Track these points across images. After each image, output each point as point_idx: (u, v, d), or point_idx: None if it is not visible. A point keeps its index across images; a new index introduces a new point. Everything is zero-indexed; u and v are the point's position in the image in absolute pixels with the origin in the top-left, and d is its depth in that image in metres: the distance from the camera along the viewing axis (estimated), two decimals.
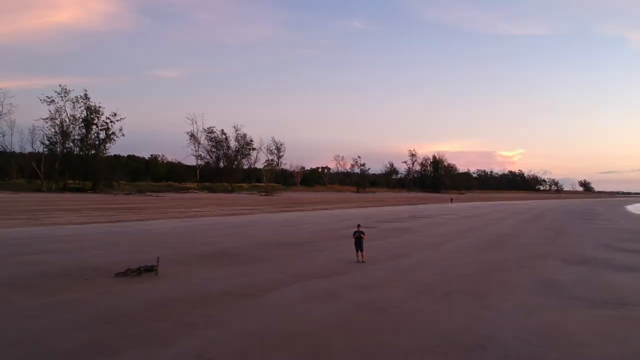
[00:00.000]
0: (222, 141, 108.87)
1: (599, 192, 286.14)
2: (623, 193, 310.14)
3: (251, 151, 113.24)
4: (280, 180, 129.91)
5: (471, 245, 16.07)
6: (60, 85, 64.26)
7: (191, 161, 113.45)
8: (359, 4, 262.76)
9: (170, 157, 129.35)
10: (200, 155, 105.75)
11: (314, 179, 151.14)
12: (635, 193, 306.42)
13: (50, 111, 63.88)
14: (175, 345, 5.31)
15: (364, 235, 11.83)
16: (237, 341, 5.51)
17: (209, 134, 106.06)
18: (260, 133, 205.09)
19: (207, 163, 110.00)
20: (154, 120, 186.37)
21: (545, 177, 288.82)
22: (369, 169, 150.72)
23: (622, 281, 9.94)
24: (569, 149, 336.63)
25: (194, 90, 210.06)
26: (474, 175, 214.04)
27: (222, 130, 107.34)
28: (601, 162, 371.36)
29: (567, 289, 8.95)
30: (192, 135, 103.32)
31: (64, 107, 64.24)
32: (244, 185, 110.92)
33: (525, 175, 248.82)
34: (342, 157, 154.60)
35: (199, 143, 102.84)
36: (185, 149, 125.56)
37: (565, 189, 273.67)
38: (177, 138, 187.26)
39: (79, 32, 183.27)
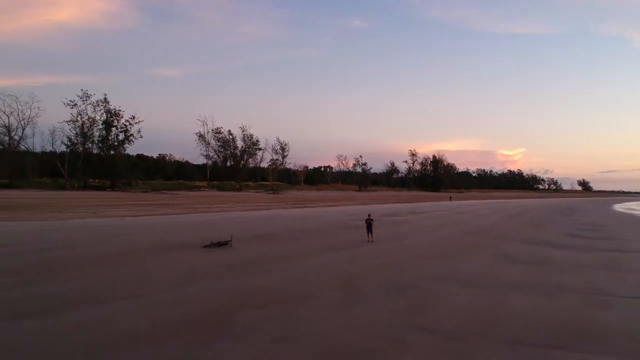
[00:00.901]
0: (229, 141, 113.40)
1: (599, 192, 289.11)
2: (623, 192, 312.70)
3: (257, 151, 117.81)
4: (284, 179, 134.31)
5: (455, 233, 20.26)
6: (82, 90, 68.34)
7: (198, 160, 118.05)
8: (359, 3, 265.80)
9: (177, 156, 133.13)
10: (208, 155, 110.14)
11: (317, 177, 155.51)
12: (636, 192, 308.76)
13: (71, 114, 68.22)
14: (259, 279, 9.51)
15: (372, 222, 16.02)
16: (298, 278, 9.70)
17: (217, 134, 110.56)
18: (261, 132, 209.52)
19: (215, 162, 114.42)
20: (154, 119, 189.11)
21: (546, 176, 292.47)
22: (370, 168, 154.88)
23: (555, 253, 14.11)
24: (570, 148, 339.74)
25: (195, 88, 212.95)
26: (474, 175, 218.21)
27: (229, 130, 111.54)
28: (602, 161, 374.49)
29: (513, 257, 13.13)
30: (201, 136, 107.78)
31: (85, 110, 68.47)
32: (250, 184, 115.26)
33: (524, 174, 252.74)
34: (345, 157, 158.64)
35: (208, 143, 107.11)
36: (194, 148, 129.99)
37: (564, 188, 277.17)
38: (178, 136, 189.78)
39: (80, 30, 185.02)
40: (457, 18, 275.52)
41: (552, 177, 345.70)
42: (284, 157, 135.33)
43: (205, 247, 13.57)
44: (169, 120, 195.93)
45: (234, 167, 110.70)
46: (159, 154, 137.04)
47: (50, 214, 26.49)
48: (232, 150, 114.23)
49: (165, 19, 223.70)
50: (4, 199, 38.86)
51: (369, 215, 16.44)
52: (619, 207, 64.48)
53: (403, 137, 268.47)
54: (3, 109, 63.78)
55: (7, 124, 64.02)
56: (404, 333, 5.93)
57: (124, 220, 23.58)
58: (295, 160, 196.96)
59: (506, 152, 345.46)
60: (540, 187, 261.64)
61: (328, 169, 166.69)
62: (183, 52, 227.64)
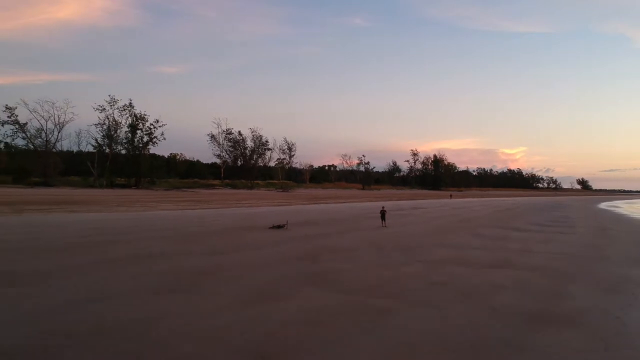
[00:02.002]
0: (239, 142, 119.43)
1: (598, 190, 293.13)
2: (624, 191, 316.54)
3: (266, 151, 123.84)
4: (291, 177, 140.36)
5: (449, 222, 26.09)
6: (109, 95, 74.21)
7: (207, 159, 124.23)
8: (360, 2, 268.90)
9: (187, 155, 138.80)
10: (220, 155, 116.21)
11: (322, 176, 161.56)
12: (636, 191, 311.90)
13: (99, 118, 74.24)
14: (322, 242, 15.36)
15: (385, 212, 21.86)
16: (345, 243, 15.55)
17: (228, 135, 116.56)
18: (262, 130, 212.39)
19: (225, 162, 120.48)
20: (155, 116, 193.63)
21: (547, 175, 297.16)
22: (373, 167, 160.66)
23: (514, 234, 19.93)
24: (572, 147, 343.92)
25: (196, 86, 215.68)
26: (474, 174, 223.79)
27: (240, 131, 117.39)
28: (604, 160, 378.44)
29: (483, 235, 18.94)
30: (213, 137, 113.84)
31: (112, 115, 74.44)
32: (260, 182, 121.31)
33: (524, 173, 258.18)
34: (349, 157, 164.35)
35: (220, 144, 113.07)
36: (205, 147, 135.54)
37: (564, 187, 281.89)
38: (179, 134, 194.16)
39: (82, 28, 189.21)
40: (459, 17, 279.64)
41: (553, 175, 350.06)
42: (291, 156, 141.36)
43: (270, 228, 19.42)
44: (170, 118, 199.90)
45: (245, 166, 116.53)
46: (171, 153, 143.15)
47: (119, 207, 32.41)
48: (242, 150, 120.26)
49: (167, 17, 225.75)
50: (58, 196, 44.77)
51: (383, 207, 22.29)
52: (604, 205, 70.14)
53: (404, 135, 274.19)
54: (42, 114, 69.86)
55: (44, 128, 70.19)
56: (410, 262, 11.75)
57: (185, 212, 29.45)
58: (297, 159, 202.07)
59: (507, 151, 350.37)
60: (540, 185, 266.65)
61: (332, 168, 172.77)
62: (184, 49, 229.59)
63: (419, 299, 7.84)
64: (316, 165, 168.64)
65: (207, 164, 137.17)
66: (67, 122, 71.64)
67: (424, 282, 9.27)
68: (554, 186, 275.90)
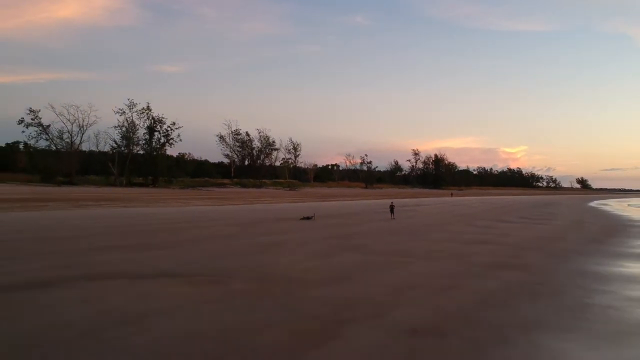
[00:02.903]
0: (246, 142, 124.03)
1: (598, 190, 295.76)
2: (624, 190, 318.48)
3: (273, 151, 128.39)
4: (296, 176, 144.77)
5: (448, 216, 30.42)
6: (128, 99, 78.70)
7: (215, 158, 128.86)
8: (361, 1, 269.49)
9: (195, 155, 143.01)
10: (228, 155, 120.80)
11: (326, 175, 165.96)
12: (637, 190, 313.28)
13: (118, 120, 78.77)
14: (347, 230, 19.73)
15: (394, 206, 26.21)
16: (365, 229, 19.92)
17: (236, 136, 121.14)
18: (263, 129, 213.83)
19: (233, 161, 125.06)
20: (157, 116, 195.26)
21: (548, 174, 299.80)
22: (376, 167, 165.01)
23: (500, 224, 24.24)
24: (573, 146, 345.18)
25: (198, 85, 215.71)
26: (474, 173, 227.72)
27: (247, 132, 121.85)
28: (605, 159, 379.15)
29: (475, 225, 23.26)
30: (222, 137, 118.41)
31: (131, 117, 78.95)
32: (267, 181, 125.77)
33: (524, 172, 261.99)
34: (352, 156, 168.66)
35: (228, 144, 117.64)
36: (214, 147, 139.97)
37: (564, 186, 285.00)
38: (182, 134, 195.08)
39: (83, 27, 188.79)
40: (461, 15, 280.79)
41: (555, 174, 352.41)
42: (296, 156, 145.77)
43: (300, 219, 23.77)
44: (171, 117, 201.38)
45: (252, 166, 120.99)
46: (179, 153, 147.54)
47: (158, 203, 36.86)
48: (250, 151, 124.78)
49: (168, 16, 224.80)
50: (95, 194, 49.21)
51: (392, 202, 26.65)
52: (595, 203, 74.39)
53: (406, 134, 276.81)
54: (68, 117, 74.53)
55: (70, 130, 74.85)
56: (416, 240, 16.09)
57: (218, 208, 33.84)
58: (301, 158, 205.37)
59: (508, 150, 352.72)
60: (540, 185, 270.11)
61: (335, 167, 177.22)
62: (185, 48, 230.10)
63: (423, 258, 12.19)
64: (318, 164, 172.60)
65: (214, 163, 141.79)
66: (90, 125, 76.11)
67: (426, 250, 13.62)
68: (553, 185, 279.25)
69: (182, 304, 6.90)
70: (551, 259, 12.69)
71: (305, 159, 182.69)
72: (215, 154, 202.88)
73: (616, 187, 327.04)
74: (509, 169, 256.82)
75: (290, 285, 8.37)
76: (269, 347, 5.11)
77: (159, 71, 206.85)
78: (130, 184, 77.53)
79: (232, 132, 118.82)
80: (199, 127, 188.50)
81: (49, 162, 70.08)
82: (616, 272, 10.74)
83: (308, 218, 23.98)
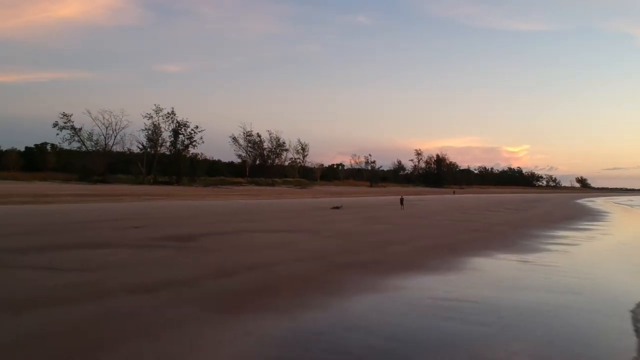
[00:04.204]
0: (257, 143, 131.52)
1: (597, 189, 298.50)
2: (626, 190, 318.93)
3: (283, 152, 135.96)
4: (304, 176, 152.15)
5: (445, 208, 37.52)
6: (155, 105, 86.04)
7: (225, 157, 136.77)
8: (363, 0, 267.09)
9: (207, 155, 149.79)
10: (240, 155, 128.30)
11: (331, 174, 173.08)
12: (638, 190, 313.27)
13: (145, 124, 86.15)
14: (364, 214, 26.87)
15: (403, 198, 33.36)
16: (384, 214, 27.05)
17: (248, 137, 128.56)
18: (262, 127, 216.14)
19: (244, 161, 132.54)
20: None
21: (550, 173, 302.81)
22: (380, 166, 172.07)
23: (488, 213, 31.31)
24: (575, 145, 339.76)
25: (199, 84, 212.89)
26: (475, 172, 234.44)
27: (258, 133, 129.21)
28: (607, 158, 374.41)
29: (466, 213, 30.32)
30: (235, 139, 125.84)
31: (157, 121, 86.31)
32: (278, 180, 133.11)
33: (524, 171, 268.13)
34: (358, 156, 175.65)
35: (241, 145, 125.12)
36: (228, 148, 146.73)
37: (564, 185, 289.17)
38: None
39: (84, 26, 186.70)
40: (462, 15, 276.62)
41: (557, 173, 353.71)
42: (304, 156, 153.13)
43: (332, 208, 30.83)
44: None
45: (264, 165, 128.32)
46: (192, 153, 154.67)
47: (204, 198, 44.09)
48: (260, 151, 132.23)
49: (169, 15, 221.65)
50: (137, 190, 56.39)
51: (402, 196, 33.81)
52: (582, 200, 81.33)
53: (408, 133, 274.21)
54: (102, 122, 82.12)
55: (104, 134, 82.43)
56: (422, 219, 23.19)
57: (255, 201, 41.02)
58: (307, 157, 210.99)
59: (510, 149, 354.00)
60: (540, 184, 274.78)
61: (340, 167, 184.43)
62: (187, 48, 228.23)
63: (426, 226, 19.29)
64: (316, 161, 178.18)
65: (225, 163, 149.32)
66: (123, 128, 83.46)
67: (428, 224, 20.73)
68: (553, 184, 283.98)
69: (304, 240, 14.02)
70: (509, 228, 19.80)
71: (311, 159, 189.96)
72: (220, 153, 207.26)
73: (618, 187, 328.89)
74: (510, 169, 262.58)
75: (355, 236, 15.52)
76: (362, 250, 12.25)
77: (160, 71, 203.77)
78: (156, 182, 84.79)
79: (245, 133, 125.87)
80: (200, 127, 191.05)
81: (86, 162, 77.36)
82: (542, 234, 17.85)
83: (337, 208, 31.07)
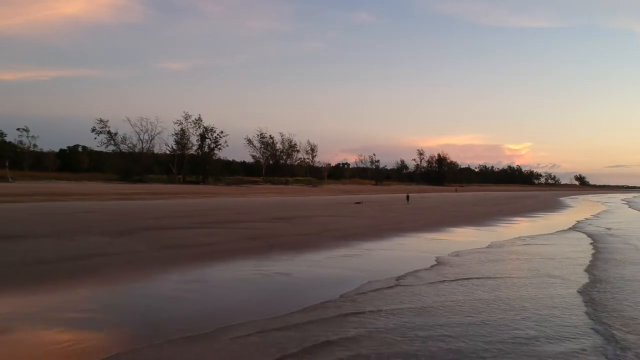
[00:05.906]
0: (270, 144, 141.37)
1: (597, 186, 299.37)
2: (628, 187, 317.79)
3: (294, 152, 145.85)
4: (312, 174, 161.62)
5: (444, 203, 46.83)
6: (184, 112, 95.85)
7: (238, 157, 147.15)
8: None
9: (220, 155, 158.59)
10: (254, 155, 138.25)
11: (338, 173, 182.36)
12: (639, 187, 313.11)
13: (175, 129, 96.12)
14: (381, 207, 36.32)
15: (409, 195, 42.75)
16: (398, 207, 36.47)
17: (262, 139, 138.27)
18: (265, 127, 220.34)
19: (258, 161, 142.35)
20: (161, 113, 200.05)
21: (552, 170, 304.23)
22: (385, 166, 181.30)
23: (475, 208, 40.61)
24: (577, 142, 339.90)
25: (202, 82, 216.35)
26: (476, 170, 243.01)
27: (270, 135, 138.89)
28: (609, 156, 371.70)
29: (458, 205, 39.63)
30: (249, 141, 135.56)
31: (186, 126, 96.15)
32: (289, 179, 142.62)
33: (523, 169, 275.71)
34: (363, 156, 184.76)
35: (256, 147, 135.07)
36: (243, 149, 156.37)
37: (564, 183, 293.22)
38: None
39: (88, 24, 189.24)
40: (465, 11, 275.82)
41: (559, 171, 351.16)
42: (313, 156, 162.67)
43: (354, 203, 40.15)
44: (176, 115, 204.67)
45: (277, 165, 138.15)
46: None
47: (242, 196, 53.56)
48: (272, 152, 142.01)
49: (172, 13, 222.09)
50: (176, 188, 65.83)
51: (407, 194, 43.21)
52: (567, 197, 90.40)
53: (410, 131, 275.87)
54: (140, 127, 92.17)
55: (142, 138, 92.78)
56: (424, 209, 32.55)
57: (282, 198, 50.44)
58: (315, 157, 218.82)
59: (512, 147, 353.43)
60: (539, 182, 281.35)
61: (346, 166, 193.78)
62: (190, 46, 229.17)
63: (427, 215, 28.65)
64: (321, 161, 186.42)
65: (239, 162, 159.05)
66: (158, 133, 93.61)
67: (428, 213, 30.07)
68: (552, 182, 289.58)
69: (352, 219, 23.45)
70: (482, 214, 29.14)
71: (317, 158, 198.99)
72: (222, 152, 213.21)
73: (620, 184, 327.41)
74: (510, 167, 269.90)
75: (380, 219, 24.90)
76: (387, 224, 21.73)
77: (163, 68, 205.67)
78: (185, 182, 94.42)
79: (259, 134, 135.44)
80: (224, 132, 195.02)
81: (126, 164, 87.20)
82: (503, 218, 27.15)
83: (359, 203, 40.39)
